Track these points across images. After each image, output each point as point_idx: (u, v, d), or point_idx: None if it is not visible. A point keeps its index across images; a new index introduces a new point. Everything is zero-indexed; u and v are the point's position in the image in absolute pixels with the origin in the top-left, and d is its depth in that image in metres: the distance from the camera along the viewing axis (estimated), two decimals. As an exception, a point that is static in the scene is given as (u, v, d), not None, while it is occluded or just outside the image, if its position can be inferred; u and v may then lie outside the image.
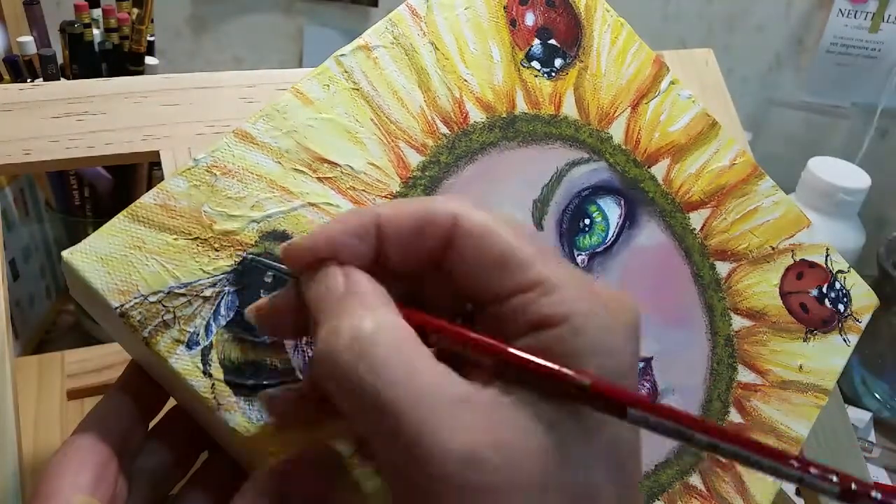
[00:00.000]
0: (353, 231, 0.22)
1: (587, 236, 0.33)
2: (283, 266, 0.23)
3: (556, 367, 0.20)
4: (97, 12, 0.58)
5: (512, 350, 0.20)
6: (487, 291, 0.22)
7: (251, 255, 0.26)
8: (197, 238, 0.25)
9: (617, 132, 0.35)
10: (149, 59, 0.59)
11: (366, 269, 0.22)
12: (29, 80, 0.55)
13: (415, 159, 0.30)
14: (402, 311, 0.21)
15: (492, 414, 0.19)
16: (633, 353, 0.21)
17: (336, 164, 0.28)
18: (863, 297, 0.39)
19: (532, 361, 0.20)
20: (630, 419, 0.20)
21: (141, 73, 0.59)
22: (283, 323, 0.23)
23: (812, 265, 0.38)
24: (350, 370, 0.19)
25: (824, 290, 0.38)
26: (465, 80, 0.32)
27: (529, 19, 0.34)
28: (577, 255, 0.33)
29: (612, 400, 0.20)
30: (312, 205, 0.28)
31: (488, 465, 0.18)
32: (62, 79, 0.56)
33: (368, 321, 0.20)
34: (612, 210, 0.34)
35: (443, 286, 0.23)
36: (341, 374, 0.19)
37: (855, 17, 0.82)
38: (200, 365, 0.24)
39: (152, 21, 0.59)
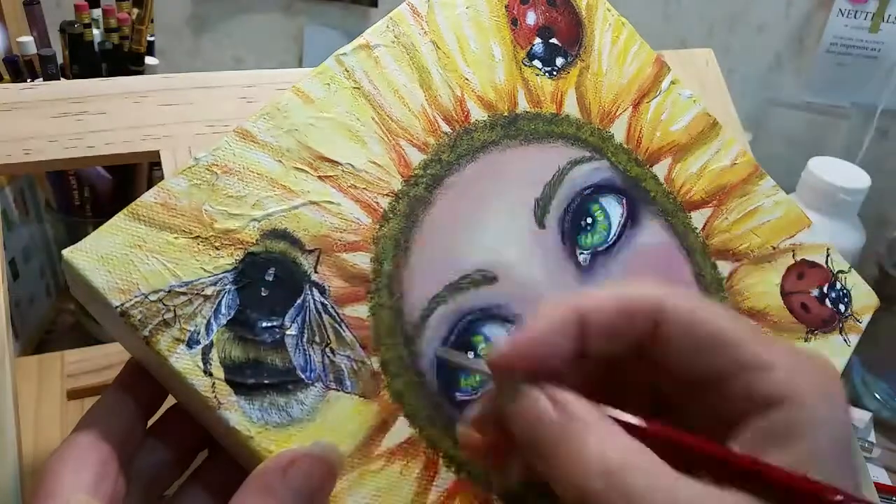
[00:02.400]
0: (557, 330, 0.21)
1: (589, 235, 0.33)
2: (485, 369, 0.23)
3: (812, 482, 0.19)
4: (97, 12, 0.58)
5: (769, 465, 0.20)
6: (700, 374, 0.21)
7: (442, 355, 0.26)
8: (198, 237, 0.25)
9: (618, 131, 0.35)
10: (149, 59, 0.59)
11: (568, 364, 0.22)
12: (29, 80, 0.55)
13: (416, 157, 0.30)
14: (646, 423, 0.21)
15: None
16: (849, 418, 0.21)
17: (337, 162, 0.28)
18: (863, 297, 0.39)
19: (790, 476, 0.19)
20: None
21: (141, 73, 0.59)
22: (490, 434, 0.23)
23: (813, 265, 0.38)
24: (605, 502, 0.19)
25: (825, 290, 0.38)
26: (467, 79, 0.32)
27: (531, 18, 0.34)
28: (580, 254, 0.33)
29: None
30: (313, 203, 0.28)
31: None
32: (62, 79, 0.56)
33: (611, 451, 0.19)
34: (613, 209, 0.34)
35: (642, 373, 0.23)
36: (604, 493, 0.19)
37: (855, 17, 0.82)
38: (201, 364, 0.24)
39: (152, 21, 0.59)
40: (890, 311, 0.67)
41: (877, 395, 0.70)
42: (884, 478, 0.64)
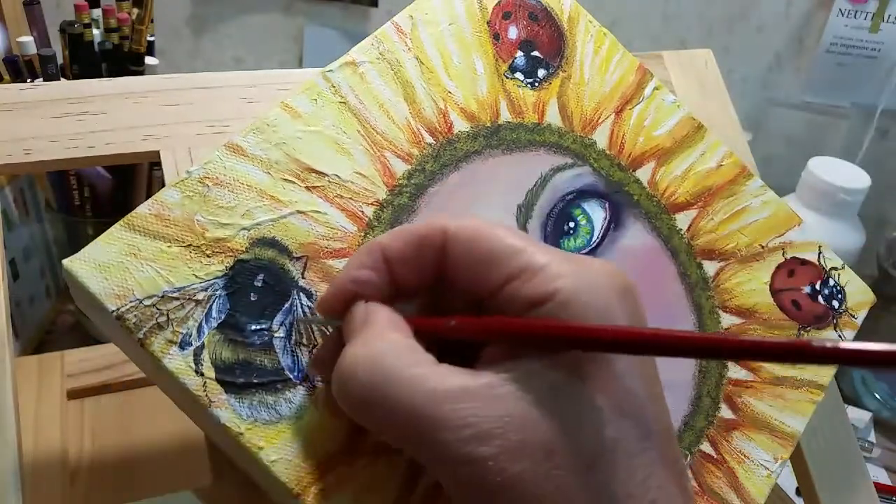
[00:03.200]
0: (367, 265, 0.25)
1: (572, 239, 0.34)
2: (322, 320, 0.26)
3: (520, 321, 0.22)
4: (97, 12, 0.58)
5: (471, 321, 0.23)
6: (483, 288, 0.23)
7: (308, 321, 0.27)
8: (189, 245, 0.26)
9: (601, 138, 0.36)
10: (149, 59, 0.60)
11: (387, 297, 0.25)
12: (29, 80, 0.55)
13: (401, 168, 0.31)
14: (411, 323, 0.24)
15: (491, 394, 0.21)
16: (630, 313, 0.23)
17: (324, 173, 0.30)
18: (858, 294, 0.39)
19: (490, 322, 0.22)
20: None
21: (141, 73, 0.59)
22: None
23: (803, 262, 0.38)
24: (366, 387, 0.22)
25: (817, 286, 0.38)
26: (450, 92, 0.33)
27: (512, 33, 0.35)
28: None
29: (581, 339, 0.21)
30: (301, 213, 0.29)
31: (494, 437, 0.20)
32: (62, 79, 0.56)
33: (380, 344, 0.23)
34: (596, 213, 0.34)
35: (453, 296, 0.25)
36: (359, 392, 0.22)
37: (855, 17, 0.82)
38: (193, 364, 0.25)
39: (152, 21, 0.59)
40: (890, 311, 0.67)
41: (877, 395, 0.71)
42: (884, 478, 0.64)
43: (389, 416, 0.22)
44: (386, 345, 0.23)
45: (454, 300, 0.25)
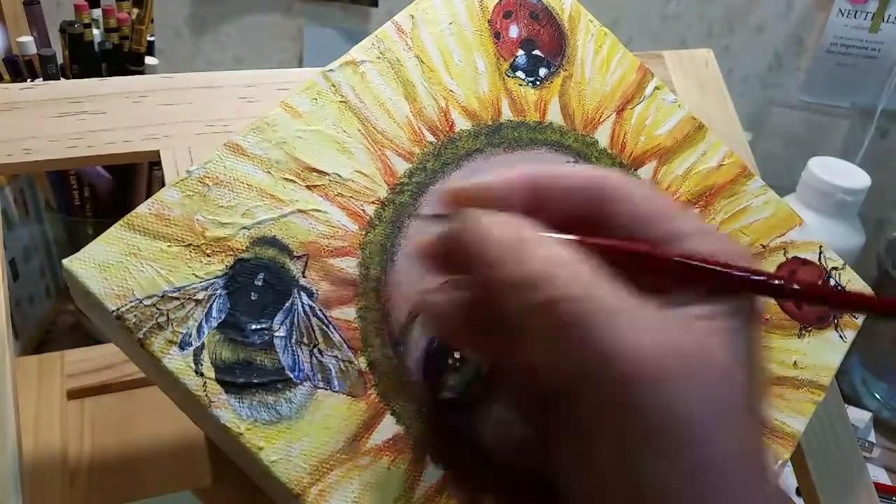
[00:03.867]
0: (512, 185, 0.24)
1: None
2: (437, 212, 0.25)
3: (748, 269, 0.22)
4: (97, 12, 0.58)
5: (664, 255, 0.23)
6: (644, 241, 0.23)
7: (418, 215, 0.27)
8: (189, 245, 0.26)
9: (602, 137, 0.36)
10: (149, 59, 0.60)
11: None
12: (29, 80, 0.55)
13: (402, 166, 0.31)
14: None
15: (670, 316, 0.21)
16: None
17: (324, 172, 0.29)
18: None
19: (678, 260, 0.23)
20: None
21: (141, 73, 0.59)
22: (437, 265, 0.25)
23: (805, 262, 0.38)
24: (546, 299, 0.21)
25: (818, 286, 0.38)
26: (451, 91, 0.33)
27: (513, 32, 0.35)
28: None
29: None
30: (301, 211, 0.29)
31: (684, 350, 0.20)
32: (62, 79, 0.56)
33: (558, 257, 0.22)
34: None
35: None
36: (537, 304, 0.21)
37: (855, 17, 0.82)
38: (192, 364, 0.25)
39: (152, 21, 0.59)
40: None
41: (877, 395, 0.71)
42: (884, 478, 0.64)
43: (564, 326, 0.20)
44: (564, 259, 0.21)
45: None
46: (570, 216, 0.24)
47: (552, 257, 0.22)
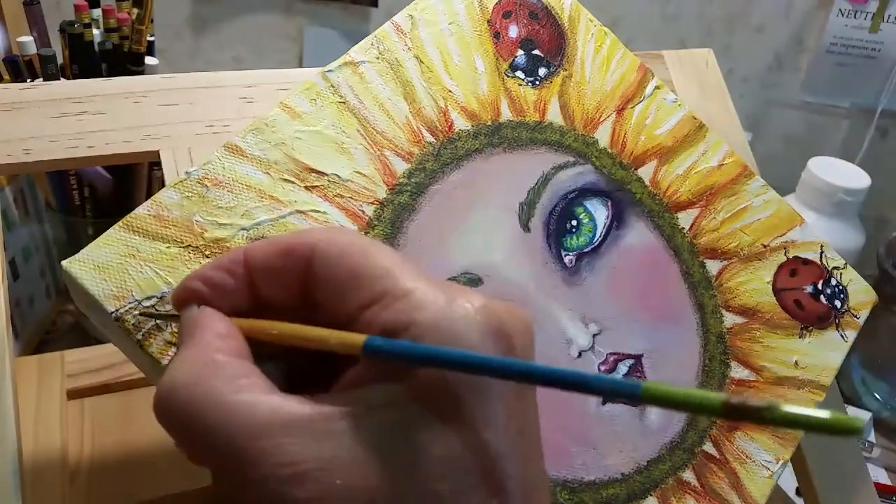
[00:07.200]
0: (223, 267, 0.23)
1: (574, 237, 0.34)
2: (165, 314, 0.25)
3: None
4: (97, 12, 0.58)
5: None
6: (344, 310, 0.21)
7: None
8: (188, 246, 0.27)
9: (602, 136, 0.36)
10: (149, 59, 0.59)
11: (245, 309, 0.23)
12: (29, 80, 0.55)
13: (401, 167, 0.31)
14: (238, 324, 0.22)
15: (323, 428, 0.19)
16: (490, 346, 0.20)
17: (323, 173, 0.30)
18: (860, 294, 0.39)
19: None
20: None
21: (141, 73, 0.59)
22: None
23: (806, 262, 0.38)
24: (184, 410, 0.20)
25: (819, 286, 0.38)
26: (450, 91, 0.33)
27: (513, 31, 0.35)
28: (565, 256, 0.33)
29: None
30: (300, 212, 0.29)
31: (314, 479, 0.18)
32: (62, 79, 0.56)
33: (205, 360, 0.20)
34: (599, 211, 0.35)
35: (322, 318, 0.23)
36: (178, 414, 0.20)
37: (855, 17, 0.82)
38: None
39: (152, 21, 0.59)
40: (890, 311, 0.67)
41: (877, 395, 0.70)
42: (884, 478, 0.64)
43: (207, 445, 0.19)
44: (211, 362, 0.20)
45: (322, 323, 0.23)
46: (288, 286, 0.22)
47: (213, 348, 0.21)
